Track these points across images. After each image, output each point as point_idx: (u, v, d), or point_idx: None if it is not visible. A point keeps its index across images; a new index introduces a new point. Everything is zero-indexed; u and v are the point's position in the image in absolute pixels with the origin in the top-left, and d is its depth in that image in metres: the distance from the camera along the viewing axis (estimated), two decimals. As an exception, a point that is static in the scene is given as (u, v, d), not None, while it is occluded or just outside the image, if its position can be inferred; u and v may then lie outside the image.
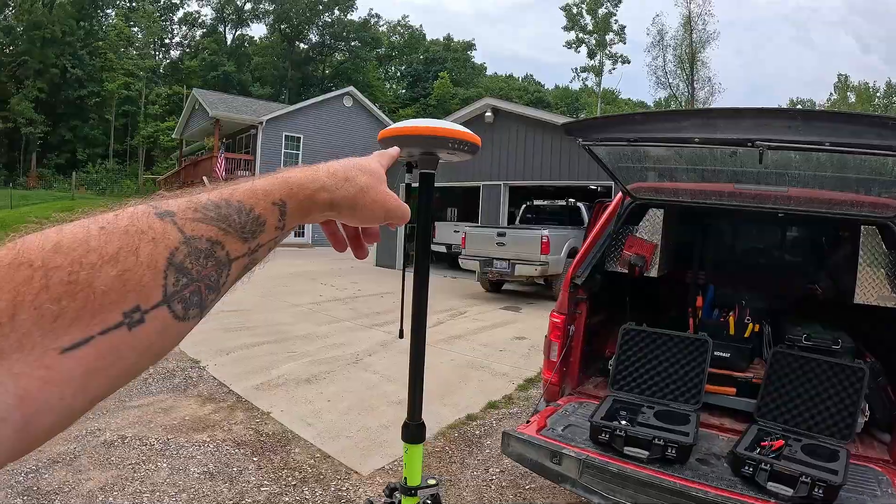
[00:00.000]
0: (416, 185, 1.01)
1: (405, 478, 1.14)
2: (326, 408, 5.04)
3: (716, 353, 3.44)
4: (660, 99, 50.10)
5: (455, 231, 15.46)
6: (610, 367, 3.54)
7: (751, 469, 2.58)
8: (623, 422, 2.95)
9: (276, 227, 0.51)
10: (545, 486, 3.76)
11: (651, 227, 3.86)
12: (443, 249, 16.60)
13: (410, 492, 1.13)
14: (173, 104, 44.41)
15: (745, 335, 3.75)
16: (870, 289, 3.24)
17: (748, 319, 3.83)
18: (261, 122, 25.61)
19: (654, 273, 3.82)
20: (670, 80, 47.37)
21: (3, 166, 40.29)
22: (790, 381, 3.11)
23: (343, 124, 28.78)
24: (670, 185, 3.54)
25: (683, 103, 44.24)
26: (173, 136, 35.90)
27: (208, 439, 4.42)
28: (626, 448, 2.73)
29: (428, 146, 0.95)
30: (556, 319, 3.55)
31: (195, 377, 5.85)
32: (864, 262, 3.25)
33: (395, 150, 0.79)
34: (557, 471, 2.65)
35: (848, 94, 52.59)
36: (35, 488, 3.70)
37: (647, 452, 2.69)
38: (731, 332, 3.79)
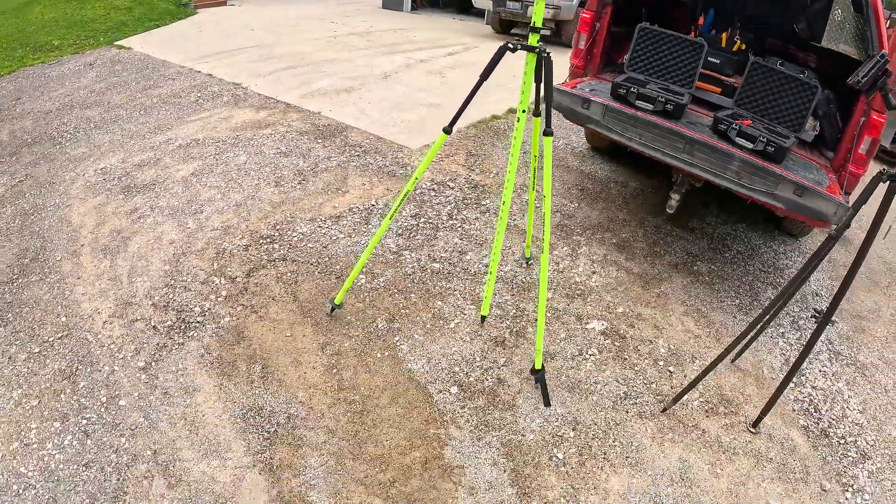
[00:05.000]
0: None
1: None
2: (369, 108, 5.77)
3: (709, 58, 4.22)
4: None
5: None
6: (625, 62, 4.25)
7: (725, 127, 3.46)
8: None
9: None
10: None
11: None
12: None
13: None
14: None
15: (734, 49, 4.54)
16: (834, 35, 3.83)
17: (737, 38, 4.60)
18: None
19: None
20: None
21: None
22: (762, 86, 3.77)
23: None
24: None
25: None
26: None
27: (273, 132, 5.10)
28: (637, 101, 3.57)
29: None
30: (585, 16, 4.20)
31: (241, 94, 6.20)
32: (833, 15, 3.78)
33: None
34: (586, 114, 3.51)
35: None
36: (133, 185, 4.27)
37: (652, 106, 3.54)
38: (723, 44, 4.60)
